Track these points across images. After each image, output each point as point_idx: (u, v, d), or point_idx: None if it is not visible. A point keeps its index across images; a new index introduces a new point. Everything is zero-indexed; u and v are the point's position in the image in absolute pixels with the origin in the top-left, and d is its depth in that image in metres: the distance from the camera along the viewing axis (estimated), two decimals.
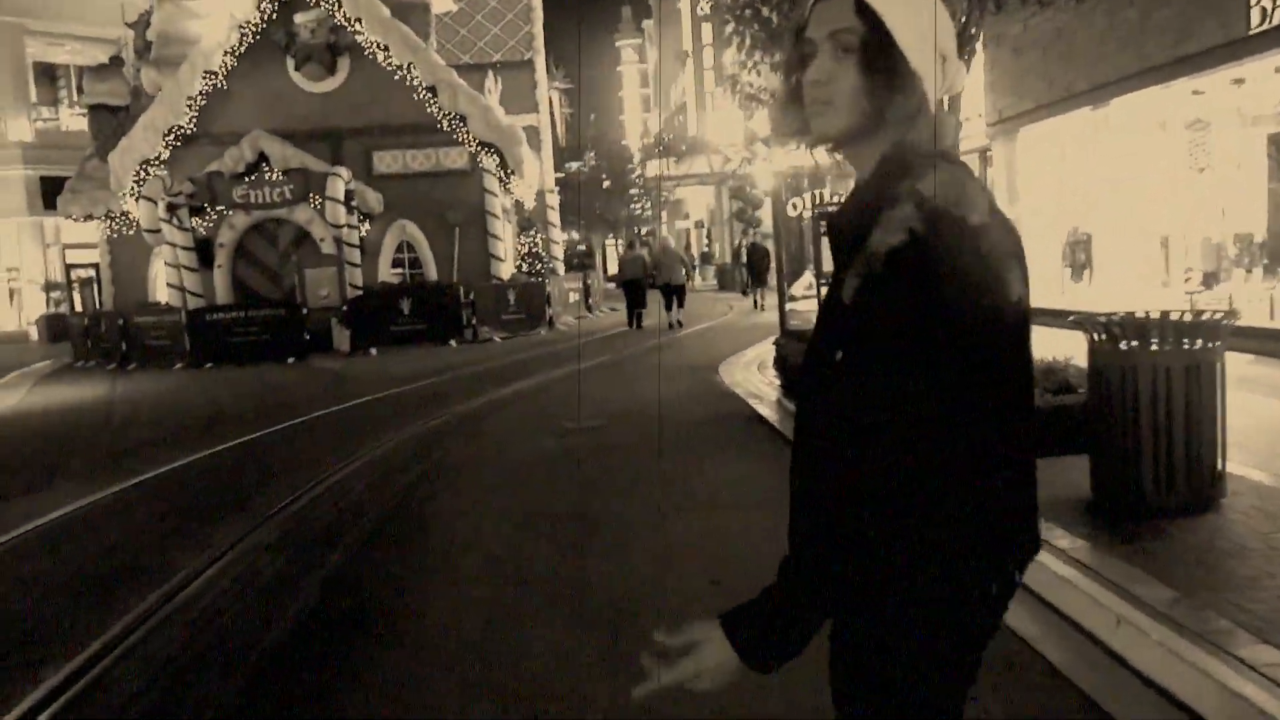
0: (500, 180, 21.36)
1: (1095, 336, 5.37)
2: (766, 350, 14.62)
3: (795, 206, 13.10)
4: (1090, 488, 5.40)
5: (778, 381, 11.25)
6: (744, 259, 27.37)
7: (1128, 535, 4.80)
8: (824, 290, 10.61)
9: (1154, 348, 5.10)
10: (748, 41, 8.81)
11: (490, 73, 24.17)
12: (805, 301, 13.14)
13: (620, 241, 59.15)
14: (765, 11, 8.29)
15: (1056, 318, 6.38)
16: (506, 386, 12.36)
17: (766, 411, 9.72)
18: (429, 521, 6.27)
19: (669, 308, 20.15)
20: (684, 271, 21.08)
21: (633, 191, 51.89)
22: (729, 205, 39.45)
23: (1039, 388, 6.96)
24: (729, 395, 10.93)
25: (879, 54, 1.31)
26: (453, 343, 18.91)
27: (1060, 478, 5.55)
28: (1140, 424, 5.10)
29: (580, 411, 10.03)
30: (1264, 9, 10.52)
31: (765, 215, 33.86)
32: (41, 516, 6.68)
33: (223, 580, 5.09)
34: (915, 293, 1.23)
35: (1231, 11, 10.89)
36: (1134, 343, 5.15)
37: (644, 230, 56.85)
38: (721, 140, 35.76)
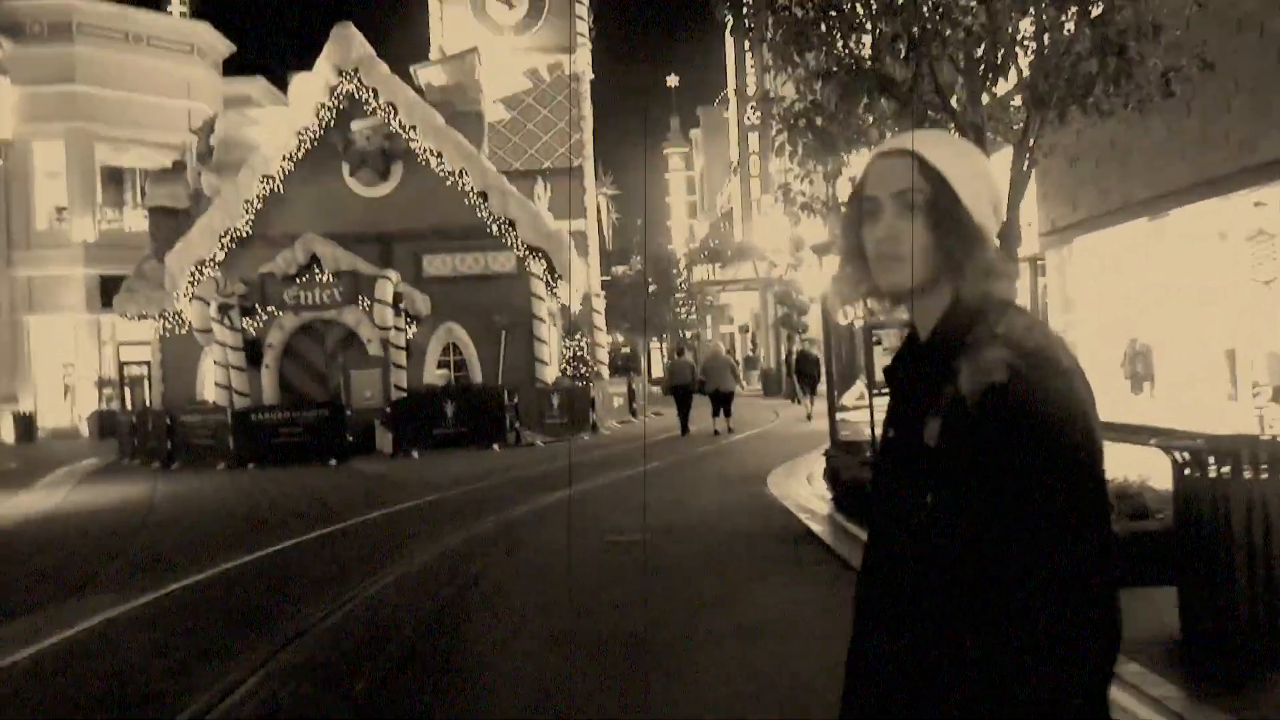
0: (547, 284, 21.45)
1: (1180, 458, 5.00)
2: (816, 461, 14.22)
3: (846, 314, 12.87)
4: (1180, 625, 4.95)
5: (829, 495, 10.85)
6: (793, 366, 26.98)
7: (1228, 683, 4.34)
8: (878, 405, 10.15)
9: (1247, 474, 4.71)
10: (799, 151, 8.71)
11: (540, 179, 24.55)
12: (856, 412, 12.74)
13: (665, 345, 59.37)
14: (819, 121, 8.20)
15: (1120, 433, 6.01)
16: (548, 494, 12.06)
17: (819, 528, 9.32)
18: (465, 645, 5.92)
19: (716, 414, 20.02)
20: (733, 378, 20.88)
21: (678, 295, 52.22)
22: (774, 310, 39.40)
23: (1114, 511, 6.53)
24: (779, 509, 10.53)
25: (948, 212, 1.37)
26: (495, 446, 18.71)
27: (1144, 610, 5.10)
28: (1235, 557, 4.69)
29: (624, 524, 9.69)
30: None
31: (811, 321, 33.71)
32: (66, 628, 6.43)
33: (242, 710, 4.77)
34: (1012, 431, 1.25)
35: None
36: (1224, 468, 4.76)
37: (688, 334, 57.07)
38: (768, 246, 35.97)
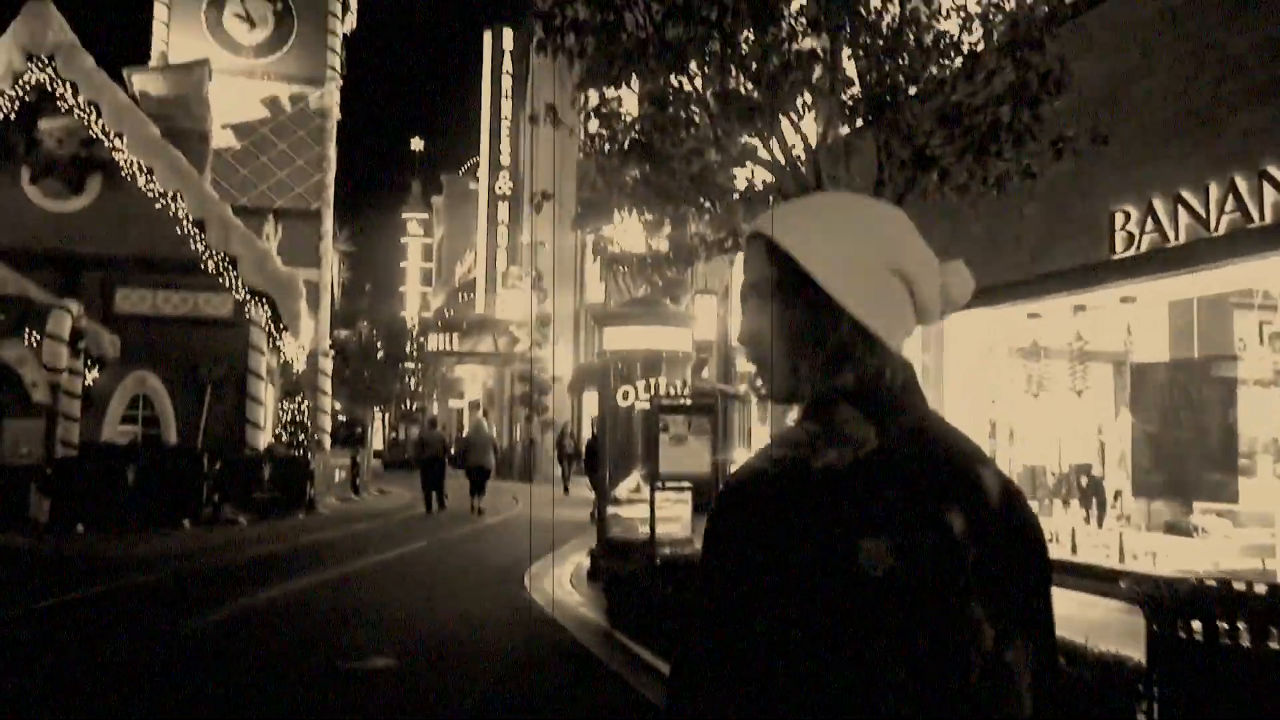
0: (270, 336, 18.60)
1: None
2: (575, 556, 12.53)
3: (627, 395, 11.41)
4: None
5: (598, 602, 9.15)
6: (566, 449, 25.92)
7: None
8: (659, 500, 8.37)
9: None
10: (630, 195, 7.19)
11: (271, 218, 21.72)
12: (630, 506, 11.21)
13: (388, 417, 55.85)
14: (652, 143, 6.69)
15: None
16: (254, 593, 9.52)
17: (598, 650, 7.61)
18: None
19: (474, 493, 18.81)
20: (493, 456, 19.81)
21: (408, 365, 49.36)
22: (511, 387, 37.71)
23: None
24: (548, 622, 8.68)
25: (793, 296, 1.13)
26: (187, 523, 15.50)
27: None
28: None
29: (362, 639, 7.47)
30: (1130, 235, 10.13)
31: (553, 401, 32.32)
32: None
33: None
34: (1035, 540, 1.11)
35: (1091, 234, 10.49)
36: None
37: (414, 406, 54.04)
38: (513, 319, 34.43)
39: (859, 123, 6.71)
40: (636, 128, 6.52)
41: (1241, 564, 9.69)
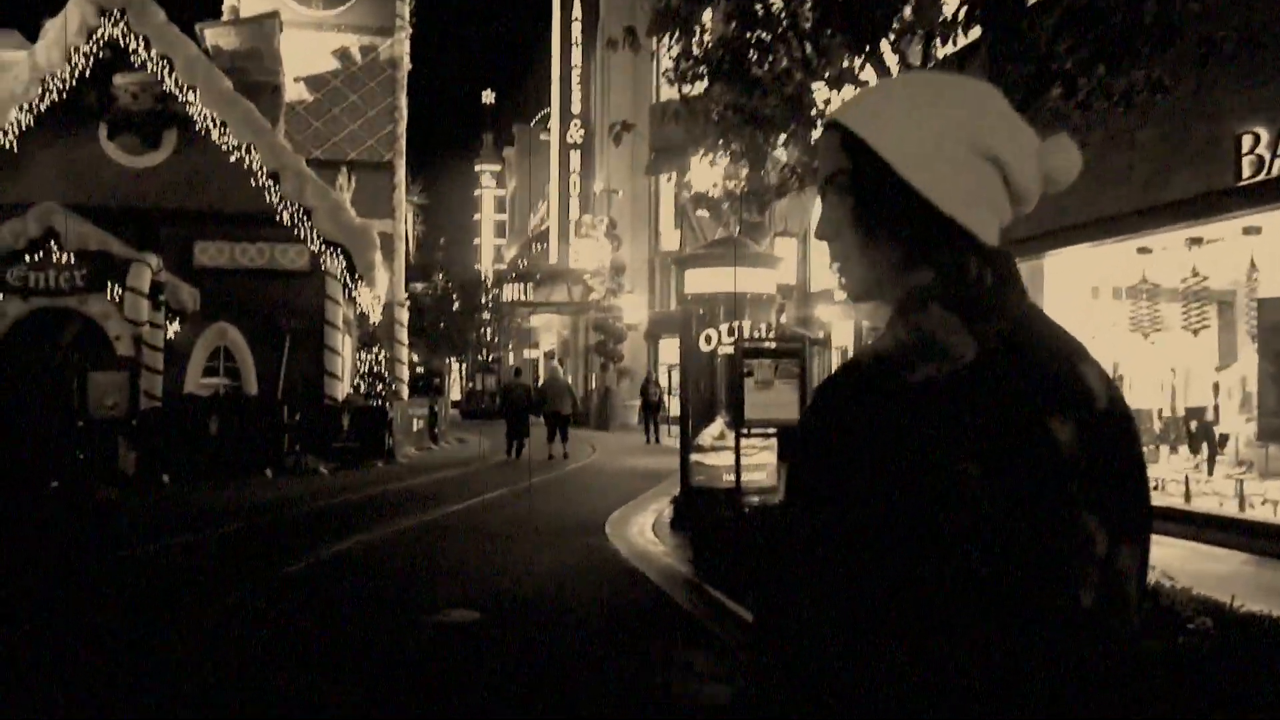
0: (345, 287, 18.55)
1: None
2: (655, 505, 12.24)
3: (709, 339, 10.98)
4: None
5: (688, 552, 8.82)
6: (651, 396, 25.22)
7: None
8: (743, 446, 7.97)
9: None
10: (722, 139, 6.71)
11: (344, 170, 21.60)
12: (715, 454, 10.84)
13: (466, 367, 56.36)
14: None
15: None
16: (336, 543, 9.41)
17: (686, 603, 7.30)
18: None
19: (552, 438, 19.50)
20: (571, 402, 20.46)
21: (483, 316, 49.58)
22: (585, 337, 37.55)
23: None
24: (631, 573, 8.39)
25: (870, 187, 1.05)
26: (269, 473, 15.61)
27: None
28: None
29: (447, 594, 7.27)
30: (1259, 159, 9.28)
31: (628, 349, 32.04)
32: None
33: None
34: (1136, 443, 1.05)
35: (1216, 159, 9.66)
36: None
37: (490, 357, 54.39)
38: (586, 268, 34.12)
39: (966, 36, 6.12)
40: (722, 51, 6.01)
41: None
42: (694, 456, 10.92)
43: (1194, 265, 11.12)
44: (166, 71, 17.09)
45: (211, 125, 17.32)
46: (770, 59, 5.94)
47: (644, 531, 10.50)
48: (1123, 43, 4.86)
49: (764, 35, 5.49)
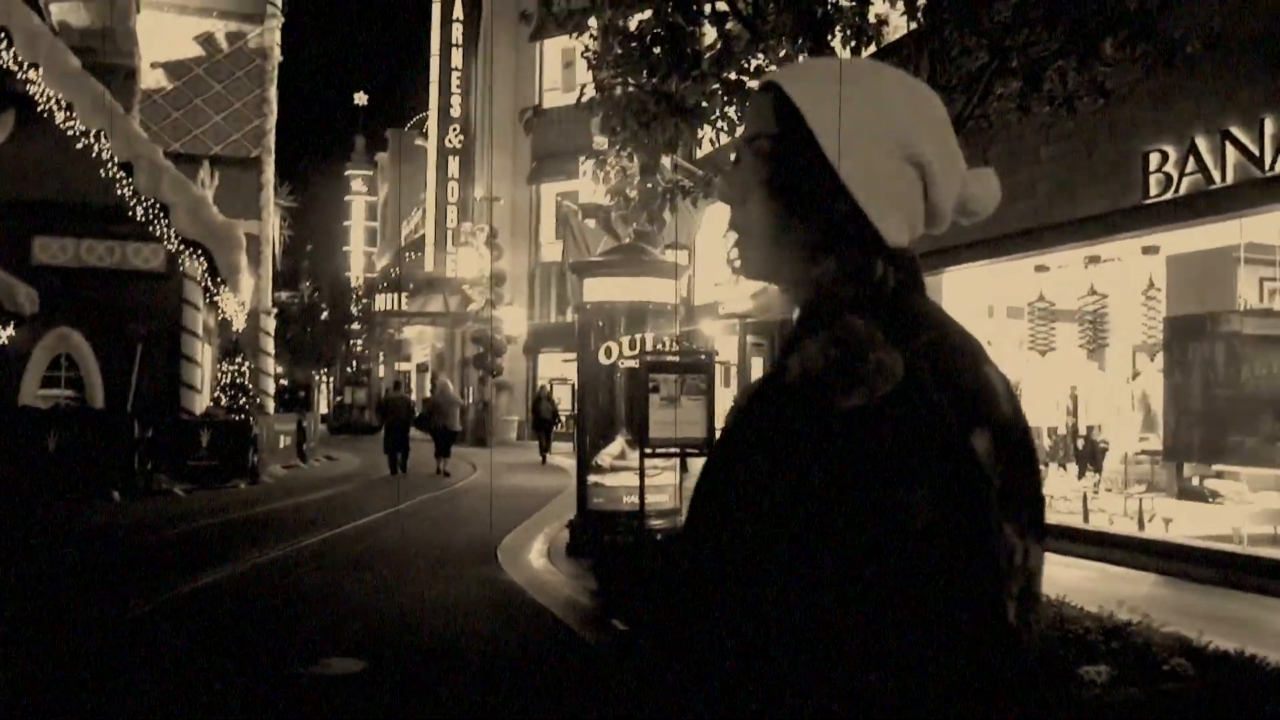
0: (206, 291, 17.14)
1: None
2: (549, 527, 11.52)
3: (610, 352, 10.34)
4: None
5: (591, 582, 8.13)
6: (543, 413, 23.96)
7: None
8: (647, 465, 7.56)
9: None
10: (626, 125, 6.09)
11: (207, 165, 20.10)
12: (614, 474, 10.18)
13: (333, 381, 54.16)
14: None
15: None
16: (194, 576, 8.32)
17: (594, 640, 6.65)
18: None
19: (440, 454, 19.01)
20: (459, 417, 20.00)
21: (354, 326, 47.71)
22: (462, 349, 36.41)
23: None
24: (531, 607, 7.65)
25: (791, 159, 1.02)
26: (115, 495, 14.13)
27: None
28: None
29: (318, 638, 6.37)
30: (1166, 176, 9.24)
31: (507, 363, 31.09)
32: None
33: None
34: None
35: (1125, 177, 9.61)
36: None
37: (360, 369, 52.38)
38: (466, 278, 33.04)
39: (906, 28, 5.70)
40: (657, 29, 5.40)
41: (1256, 529, 9.01)
42: (592, 477, 10.25)
43: (1092, 284, 11.13)
44: (4, 45, 15.41)
45: (56, 108, 15.71)
46: (710, 41, 5.39)
47: (539, 558, 9.75)
48: (1102, 32, 4.47)
49: (704, 10, 4.93)
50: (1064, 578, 7.77)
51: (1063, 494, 11.56)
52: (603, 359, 10.27)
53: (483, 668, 5.78)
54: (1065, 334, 12.01)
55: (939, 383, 0.92)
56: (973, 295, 12.63)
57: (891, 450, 0.88)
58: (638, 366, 9.90)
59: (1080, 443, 13.61)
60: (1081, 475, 13.45)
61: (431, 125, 39.56)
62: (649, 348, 9.89)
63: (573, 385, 28.12)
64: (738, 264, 1.07)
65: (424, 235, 42.89)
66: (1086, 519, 10.79)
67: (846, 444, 0.88)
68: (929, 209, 1.04)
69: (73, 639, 6.23)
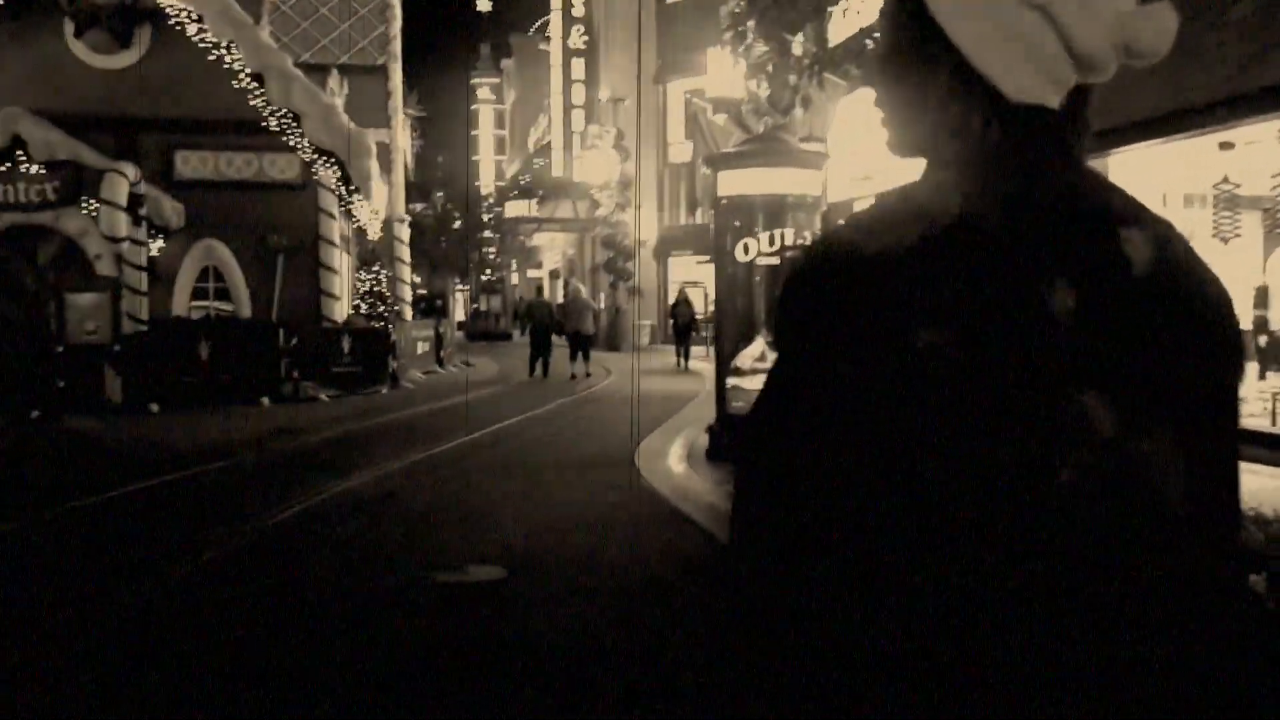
0: (340, 200, 17.28)
1: None
2: (688, 430, 11.23)
3: (747, 249, 9.80)
4: None
5: (731, 489, 7.80)
6: (681, 317, 23.40)
7: None
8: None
9: None
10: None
11: (335, 73, 20.11)
12: (755, 378, 9.76)
13: (470, 289, 55.14)
14: None
15: None
16: (334, 482, 8.38)
17: (723, 535, 6.27)
18: None
19: (575, 357, 19.16)
20: (593, 322, 20.20)
21: (486, 235, 48.17)
22: (593, 255, 36.26)
23: None
24: (675, 515, 7.38)
25: (907, 27, 0.97)
26: (265, 400, 14.57)
27: None
28: None
29: (454, 544, 6.26)
30: None
31: (639, 266, 30.78)
32: None
33: None
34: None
35: None
36: None
37: (494, 278, 53.11)
38: (593, 182, 32.68)
39: None
40: None
41: None
42: (731, 380, 9.85)
43: None
44: None
45: (187, 20, 15.85)
46: None
47: (679, 463, 9.47)
48: None
49: None
50: (1247, 484, 7.00)
51: (1242, 395, 10.55)
52: (740, 256, 9.74)
53: (625, 578, 5.53)
54: (1252, 222, 10.84)
55: (1012, 229, 0.87)
56: (1144, 181, 11.46)
57: (923, 288, 0.85)
58: (778, 263, 9.38)
59: (1263, 340, 12.47)
60: (1263, 376, 12.35)
61: (554, 27, 38.87)
62: (789, 243, 9.33)
63: (705, 289, 27.75)
64: (887, 142, 1.02)
65: (550, 141, 42.60)
66: (1275, 421, 9.86)
67: (867, 287, 0.86)
68: (1075, 55, 0.93)
69: (226, 544, 6.28)
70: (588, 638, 4.55)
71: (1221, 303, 0.90)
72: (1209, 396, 0.89)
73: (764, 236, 9.65)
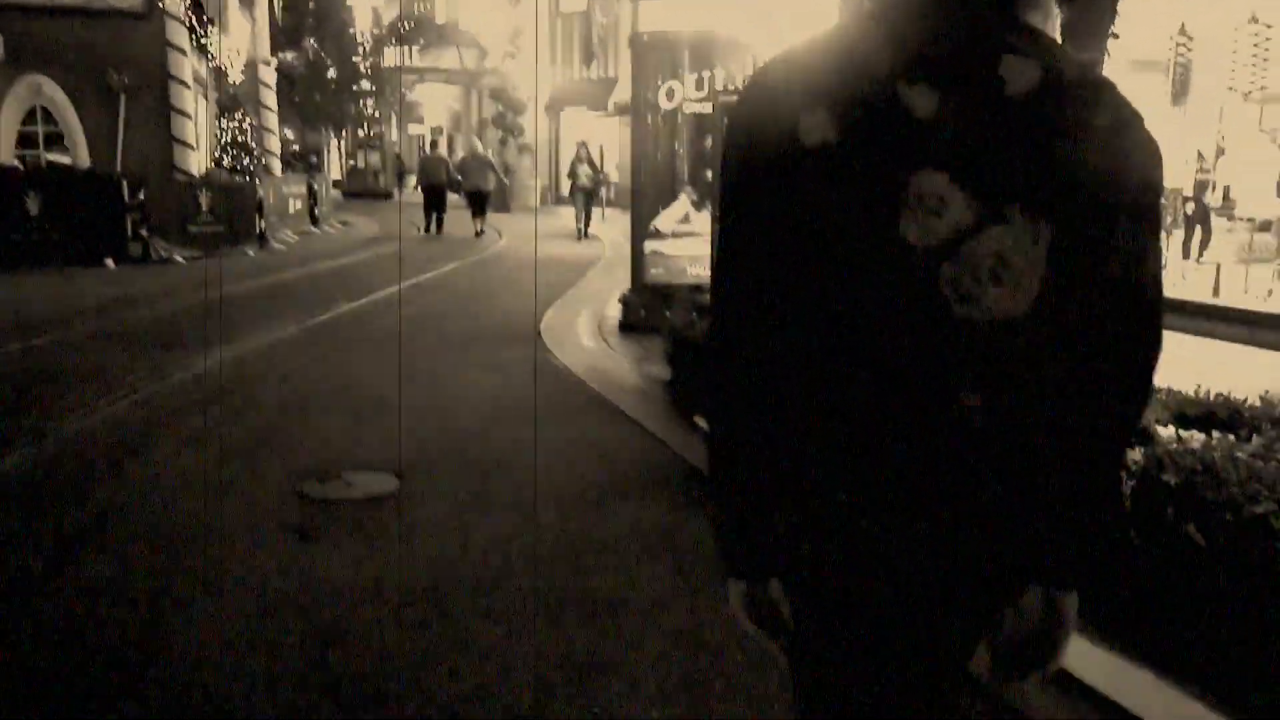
0: (193, 32, 15.11)
1: None
2: (595, 301, 10.20)
3: (671, 94, 8.58)
4: None
5: (653, 368, 6.84)
6: (580, 179, 19.31)
7: None
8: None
9: None
10: None
11: None
12: (677, 241, 8.69)
13: (344, 144, 51.81)
14: None
15: None
16: (183, 362, 7.06)
17: (655, 427, 5.45)
18: None
19: (475, 214, 18.60)
20: (492, 178, 19.29)
21: (363, 86, 44.82)
22: (480, 109, 34.05)
23: None
24: (583, 391, 6.44)
25: None
26: (110, 262, 12.80)
27: None
28: None
29: (332, 438, 5.14)
30: None
31: (528, 122, 28.95)
32: None
33: None
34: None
35: None
36: None
37: (372, 132, 49.91)
38: (480, 31, 30.32)
39: None
40: None
41: None
42: (649, 245, 8.77)
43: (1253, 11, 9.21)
44: None
45: None
46: None
47: (590, 339, 8.45)
48: None
49: None
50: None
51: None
52: (663, 102, 8.53)
53: (547, 484, 4.52)
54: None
55: (877, 38, 1.05)
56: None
57: (804, 82, 1.05)
58: (709, 111, 8.21)
59: (1189, 207, 12.07)
60: (1187, 243, 11.97)
61: None
62: (720, 88, 8.16)
63: (601, 146, 26.05)
64: None
65: None
66: (1217, 292, 9.50)
67: (765, 89, 1.09)
68: None
69: (65, 426, 5.01)
70: (505, 573, 3.55)
71: (1109, 127, 1.00)
72: (1093, 211, 1.00)
73: (690, 80, 8.46)
